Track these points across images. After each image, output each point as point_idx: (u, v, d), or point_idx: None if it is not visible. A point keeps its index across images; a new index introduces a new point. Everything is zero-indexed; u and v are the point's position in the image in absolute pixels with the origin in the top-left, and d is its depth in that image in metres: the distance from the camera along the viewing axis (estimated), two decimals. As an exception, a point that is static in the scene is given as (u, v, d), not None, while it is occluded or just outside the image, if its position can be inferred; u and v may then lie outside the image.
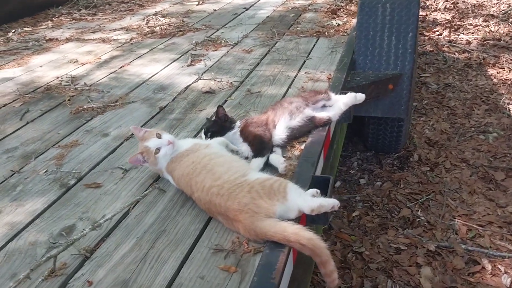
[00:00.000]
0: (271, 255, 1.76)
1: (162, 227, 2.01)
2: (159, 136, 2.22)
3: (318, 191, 2.07)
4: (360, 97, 2.91)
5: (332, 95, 2.80)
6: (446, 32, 7.70)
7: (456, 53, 6.98)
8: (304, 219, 2.04)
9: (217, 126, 2.50)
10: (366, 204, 4.09)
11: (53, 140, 2.85)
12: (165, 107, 3.26)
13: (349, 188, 4.32)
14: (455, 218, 3.82)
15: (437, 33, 7.74)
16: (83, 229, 2.01)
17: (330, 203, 1.97)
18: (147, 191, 2.21)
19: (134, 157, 2.23)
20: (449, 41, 7.35)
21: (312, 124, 2.67)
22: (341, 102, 2.78)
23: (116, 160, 2.57)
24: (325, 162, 2.76)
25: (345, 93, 3.14)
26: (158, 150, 2.19)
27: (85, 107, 3.27)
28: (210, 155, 2.20)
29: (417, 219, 3.86)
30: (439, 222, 3.81)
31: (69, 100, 3.43)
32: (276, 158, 2.40)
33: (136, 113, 3.16)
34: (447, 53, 7.01)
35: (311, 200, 1.95)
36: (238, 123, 2.57)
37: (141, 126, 2.95)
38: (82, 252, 1.87)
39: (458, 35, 7.61)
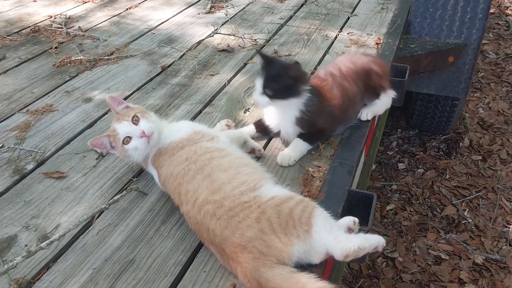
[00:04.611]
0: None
1: (131, 254, 1.43)
2: (135, 121, 1.60)
3: (356, 220, 1.45)
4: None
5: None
6: (510, -8, 6.71)
7: (522, 18, 6.05)
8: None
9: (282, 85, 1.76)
10: (403, 195, 3.47)
11: (22, 102, 2.26)
12: (169, 66, 2.62)
13: (384, 173, 3.68)
14: (510, 224, 3.19)
15: (500, -8, 6.75)
16: (26, 245, 1.46)
17: (372, 243, 1.36)
18: (119, 195, 1.61)
19: (98, 140, 1.62)
20: (514, 3, 6.39)
21: None
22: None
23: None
24: (366, 159, 2.13)
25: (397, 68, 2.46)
26: (128, 139, 1.58)
27: (73, 58, 2.66)
28: (212, 152, 1.57)
29: (463, 221, 3.24)
30: (490, 227, 3.19)
31: (56, 47, 2.81)
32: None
33: (132, 72, 2.54)
34: (510, 17, 6.07)
35: (345, 240, 1.33)
36: (307, 88, 1.81)
37: (136, 91, 2.36)
38: (14, 286, 1.32)
39: (525, -4, 6.62)
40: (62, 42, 2.89)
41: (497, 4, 6.34)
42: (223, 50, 2.80)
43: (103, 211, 1.56)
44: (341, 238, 1.33)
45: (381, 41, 2.86)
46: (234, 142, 1.75)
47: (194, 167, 1.52)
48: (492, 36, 5.65)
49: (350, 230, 1.42)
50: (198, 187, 1.46)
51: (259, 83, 1.75)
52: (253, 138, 1.89)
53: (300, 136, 1.84)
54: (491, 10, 6.22)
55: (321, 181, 1.70)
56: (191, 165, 1.53)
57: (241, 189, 1.43)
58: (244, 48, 2.84)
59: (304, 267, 1.31)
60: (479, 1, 3.08)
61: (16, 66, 2.61)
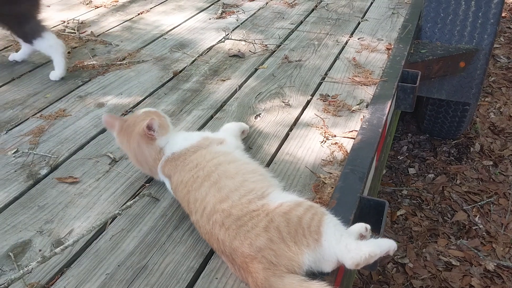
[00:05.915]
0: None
1: (143, 260, 1.44)
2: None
3: (368, 227, 1.45)
4: None
5: None
6: (522, -5, 6.66)
7: (534, 22, 6.01)
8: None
9: None
10: (414, 201, 3.46)
11: (36, 107, 2.29)
12: (180, 71, 2.63)
13: (395, 178, 3.67)
14: (522, 231, 3.17)
15: (512, -5, 6.70)
16: (40, 250, 1.48)
17: (383, 249, 1.35)
18: (132, 201, 1.62)
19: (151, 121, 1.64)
20: (526, 6, 6.34)
21: None
22: None
23: (106, 144, 2.00)
24: (377, 164, 2.12)
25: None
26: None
27: (85, 63, 2.68)
28: (218, 157, 1.59)
29: (474, 227, 3.22)
30: (501, 233, 3.17)
31: (69, 52, 2.84)
32: None
33: (144, 77, 2.56)
34: (522, 20, 6.04)
35: (356, 248, 1.32)
36: None
37: (148, 96, 2.38)
38: (28, 291, 1.34)
39: (537, -1, 6.57)
40: (75, 47, 2.92)
41: (509, 8, 6.30)
42: (234, 56, 2.81)
43: (116, 216, 1.58)
44: (352, 246, 1.31)
45: (392, 46, 2.85)
46: (238, 138, 1.83)
47: (201, 173, 1.53)
48: (503, 40, 5.62)
49: (362, 237, 1.42)
50: (206, 195, 1.46)
51: None
52: None
53: None
54: (502, 14, 6.18)
55: (332, 187, 1.70)
56: (199, 172, 1.54)
57: (249, 197, 1.42)
58: (255, 53, 2.85)
59: (316, 274, 1.31)
60: (491, 6, 3.06)
61: (30, 71, 2.64)
